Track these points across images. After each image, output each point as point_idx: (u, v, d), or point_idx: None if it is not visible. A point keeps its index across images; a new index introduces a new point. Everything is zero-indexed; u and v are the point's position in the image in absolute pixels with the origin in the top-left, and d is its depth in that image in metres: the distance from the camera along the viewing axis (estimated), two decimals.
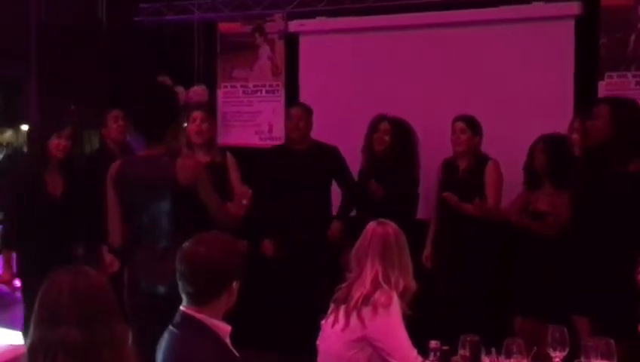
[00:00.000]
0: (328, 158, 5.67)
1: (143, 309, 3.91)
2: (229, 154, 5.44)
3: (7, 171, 6.91)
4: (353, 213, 5.63)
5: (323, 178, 5.65)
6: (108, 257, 5.12)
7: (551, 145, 4.83)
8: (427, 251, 5.36)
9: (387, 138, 5.40)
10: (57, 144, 5.05)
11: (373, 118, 5.50)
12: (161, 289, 3.83)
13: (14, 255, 5.23)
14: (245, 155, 5.79)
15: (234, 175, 5.32)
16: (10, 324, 5.19)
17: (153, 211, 4.03)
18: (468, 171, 5.21)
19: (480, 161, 5.19)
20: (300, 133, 5.66)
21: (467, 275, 5.09)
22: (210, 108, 6.14)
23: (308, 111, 5.70)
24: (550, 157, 4.80)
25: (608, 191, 4.14)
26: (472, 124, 5.18)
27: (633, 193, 4.07)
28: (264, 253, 5.65)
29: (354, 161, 5.65)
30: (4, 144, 7.71)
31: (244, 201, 4.32)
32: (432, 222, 5.42)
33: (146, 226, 4.06)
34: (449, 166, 5.31)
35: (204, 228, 3.82)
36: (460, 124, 5.19)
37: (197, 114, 5.33)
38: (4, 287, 6.79)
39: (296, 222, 5.54)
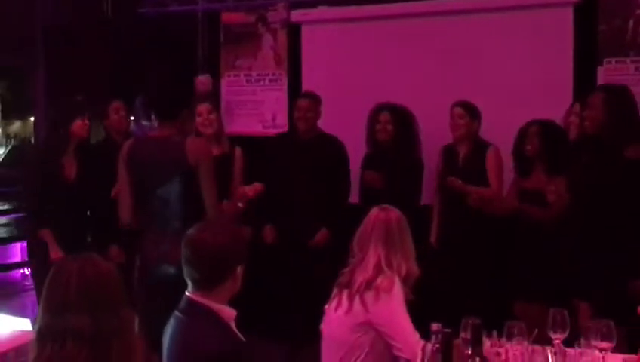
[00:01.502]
0: (332, 150, 5.66)
1: (154, 292, 3.91)
2: (237, 149, 5.43)
3: (17, 161, 6.96)
4: (356, 202, 5.60)
5: (327, 168, 5.62)
6: (113, 250, 5.19)
7: (545, 129, 4.76)
8: (433, 236, 5.38)
9: (390, 127, 5.40)
10: (81, 124, 5.11)
11: (372, 108, 5.50)
12: (172, 271, 3.76)
13: (25, 241, 5.24)
14: (249, 144, 5.81)
15: (238, 168, 5.34)
16: (19, 312, 5.25)
17: (164, 193, 4.02)
18: (468, 157, 5.23)
19: (480, 146, 5.21)
20: (307, 123, 5.64)
21: (469, 258, 5.13)
22: (214, 98, 6.17)
23: (316, 101, 5.67)
24: (545, 142, 4.74)
25: (606, 177, 4.15)
26: (470, 109, 5.20)
27: (630, 179, 4.08)
28: (264, 240, 5.66)
29: (356, 150, 5.65)
30: (12, 135, 7.78)
31: (240, 204, 4.30)
32: (435, 208, 5.44)
33: (158, 208, 4.04)
34: (449, 152, 5.34)
35: None
36: (458, 110, 5.21)
37: (202, 107, 5.29)
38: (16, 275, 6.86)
39: (299, 210, 5.54)
